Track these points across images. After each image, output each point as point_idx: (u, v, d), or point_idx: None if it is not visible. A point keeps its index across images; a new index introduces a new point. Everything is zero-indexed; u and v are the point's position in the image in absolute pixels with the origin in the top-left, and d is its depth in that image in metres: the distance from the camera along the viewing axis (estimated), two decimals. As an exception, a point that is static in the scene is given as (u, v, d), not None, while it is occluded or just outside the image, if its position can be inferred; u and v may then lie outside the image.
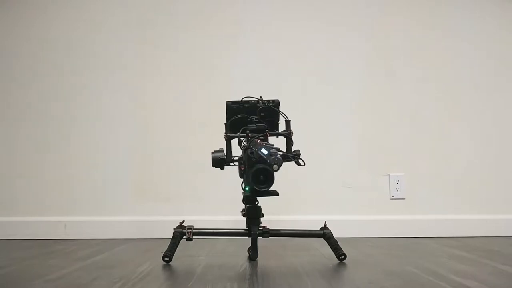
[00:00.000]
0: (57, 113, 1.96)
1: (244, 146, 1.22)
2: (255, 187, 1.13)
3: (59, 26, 2.00)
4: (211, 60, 1.99)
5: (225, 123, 1.31)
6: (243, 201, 1.38)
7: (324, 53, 1.99)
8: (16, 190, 1.93)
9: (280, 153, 1.16)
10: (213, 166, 1.31)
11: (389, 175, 1.95)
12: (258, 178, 1.13)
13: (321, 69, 1.99)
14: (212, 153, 1.31)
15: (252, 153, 1.15)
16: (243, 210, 1.38)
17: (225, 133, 1.30)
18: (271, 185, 1.13)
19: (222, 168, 1.31)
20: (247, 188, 1.25)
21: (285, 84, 1.96)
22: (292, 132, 1.29)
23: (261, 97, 1.30)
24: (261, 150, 1.13)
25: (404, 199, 1.94)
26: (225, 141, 1.30)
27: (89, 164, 1.94)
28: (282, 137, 1.30)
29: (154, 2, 2.01)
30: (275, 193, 1.19)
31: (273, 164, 1.11)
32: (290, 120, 1.30)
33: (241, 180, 1.33)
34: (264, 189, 1.13)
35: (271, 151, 1.13)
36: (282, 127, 1.33)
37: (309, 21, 2.01)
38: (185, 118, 1.96)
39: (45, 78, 1.98)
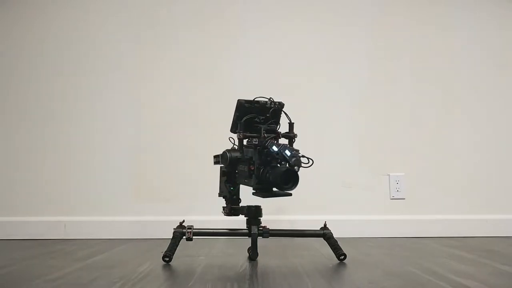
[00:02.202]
0: (57, 113, 1.96)
1: (261, 146, 1.22)
2: (283, 187, 1.15)
3: (58, 26, 1.99)
4: (211, 60, 1.99)
5: (239, 122, 1.28)
6: (227, 201, 1.39)
7: (324, 53, 1.99)
8: (16, 190, 1.93)
9: (300, 154, 1.18)
10: (227, 165, 1.30)
11: (389, 175, 1.95)
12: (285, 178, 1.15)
13: (321, 68, 1.99)
14: (228, 152, 1.29)
15: (278, 153, 1.17)
16: (229, 210, 1.38)
17: (238, 131, 1.28)
18: (296, 186, 1.16)
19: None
20: (232, 188, 1.35)
21: (285, 84, 1.95)
22: (296, 134, 1.29)
23: (270, 98, 1.30)
24: (285, 152, 1.16)
25: (404, 199, 1.94)
26: (237, 140, 1.28)
27: (89, 164, 1.94)
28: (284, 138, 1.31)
29: (154, 2, 2.01)
30: (289, 194, 1.21)
31: (295, 166, 1.15)
32: (294, 123, 1.30)
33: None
34: (289, 190, 1.16)
35: (293, 152, 1.16)
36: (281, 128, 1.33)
37: (309, 21, 2.01)
38: (186, 118, 1.96)
39: (44, 78, 1.97)
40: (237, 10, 2.00)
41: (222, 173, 1.37)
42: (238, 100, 1.28)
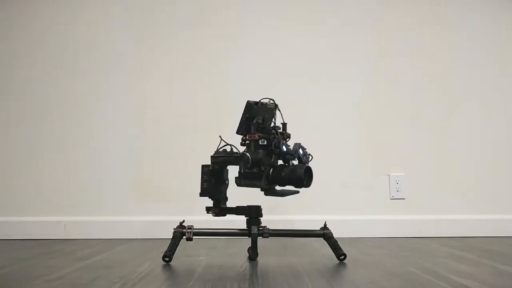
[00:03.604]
0: (57, 113, 1.96)
1: (272, 146, 1.25)
2: (304, 184, 1.22)
3: (58, 26, 1.99)
4: (211, 60, 1.98)
5: (252, 123, 1.26)
6: (216, 201, 1.37)
7: (325, 53, 1.99)
8: (15, 190, 1.93)
9: (309, 153, 1.27)
10: (250, 167, 1.26)
11: (389, 175, 1.95)
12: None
13: (321, 69, 1.99)
14: (246, 152, 1.25)
15: (295, 152, 1.23)
16: (219, 210, 1.36)
17: (252, 133, 1.26)
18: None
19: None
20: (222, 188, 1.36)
21: (286, 84, 1.96)
22: (290, 134, 1.31)
23: (272, 99, 1.30)
24: (299, 151, 1.24)
25: (404, 199, 1.94)
26: (252, 141, 1.26)
27: (89, 164, 1.94)
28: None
29: (154, 2, 2.01)
30: (297, 191, 1.28)
31: (305, 163, 1.25)
32: (286, 123, 1.30)
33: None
34: (308, 186, 1.24)
35: (304, 151, 1.24)
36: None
37: (309, 21, 2.00)
38: (185, 118, 1.96)
39: (44, 78, 1.97)
40: (237, 10, 2.00)
41: (209, 173, 1.34)
42: (248, 101, 1.27)
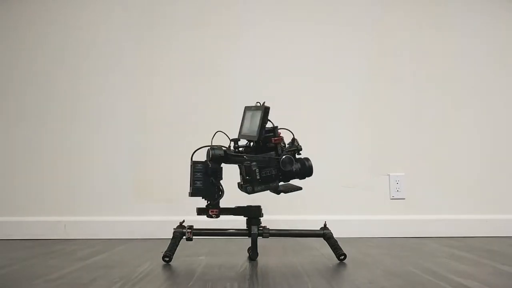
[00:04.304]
0: (57, 113, 1.96)
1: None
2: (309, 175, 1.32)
3: (58, 26, 1.99)
4: (211, 60, 1.98)
5: (275, 128, 1.28)
6: (215, 201, 1.31)
7: (325, 53, 1.99)
8: (16, 190, 1.93)
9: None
10: (288, 168, 1.26)
11: (389, 175, 1.95)
12: None
13: (321, 68, 1.99)
14: (287, 154, 1.26)
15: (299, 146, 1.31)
16: (220, 211, 1.31)
17: (278, 136, 1.27)
18: None
19: None
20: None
21: (286, 84, 1.95)
22: None
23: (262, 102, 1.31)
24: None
25: (404, 199, 1.94)
26: (278, 145, 1.27)
27: (89, 164, 1.94)
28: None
29: (154, 2, 2.01)
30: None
31: None
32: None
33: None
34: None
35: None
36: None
37: (309, 21, 2.00)
38: (185, 118, 1.96)
39: (44, 78, 1.97)
40: (237, 10, 2.00)
41: (205, 170, 1.28)
42: (267, 106, 1.24)
